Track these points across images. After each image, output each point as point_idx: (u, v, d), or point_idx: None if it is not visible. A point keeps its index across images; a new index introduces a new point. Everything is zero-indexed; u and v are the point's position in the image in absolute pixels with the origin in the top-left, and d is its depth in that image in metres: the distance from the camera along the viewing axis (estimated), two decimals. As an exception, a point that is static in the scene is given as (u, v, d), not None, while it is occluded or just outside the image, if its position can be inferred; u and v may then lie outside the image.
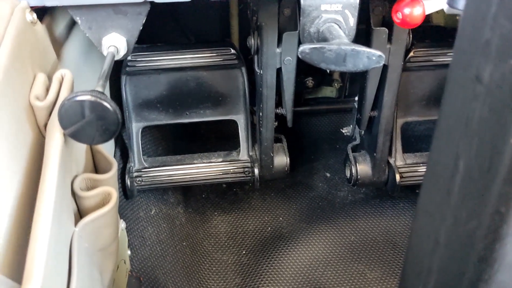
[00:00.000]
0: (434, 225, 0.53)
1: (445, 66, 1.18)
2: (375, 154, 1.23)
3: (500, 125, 0.42)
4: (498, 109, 0.42)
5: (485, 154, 0.44)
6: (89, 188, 0.75)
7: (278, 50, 1.02)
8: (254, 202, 1.43)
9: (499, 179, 0.43)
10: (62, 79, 0.73)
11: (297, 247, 1.30)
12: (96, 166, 0.83)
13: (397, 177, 1.23)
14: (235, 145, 1.30)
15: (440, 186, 0.51)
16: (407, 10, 0.84)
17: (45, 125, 0.70)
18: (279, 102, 1.16)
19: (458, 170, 0.47)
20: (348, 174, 1.31)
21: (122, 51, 0.82)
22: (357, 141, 1.33)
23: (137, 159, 1.23)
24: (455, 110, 0.47)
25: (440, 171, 0.50)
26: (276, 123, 1.21)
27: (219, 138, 1.56)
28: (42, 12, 0.82)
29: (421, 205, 0.56)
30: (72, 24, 0.94)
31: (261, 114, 1.17)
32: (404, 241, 1.32)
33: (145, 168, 1.24)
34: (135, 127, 1.23)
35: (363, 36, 1.03)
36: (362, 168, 1.27)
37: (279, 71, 1.07)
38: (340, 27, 0.81)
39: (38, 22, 0.77)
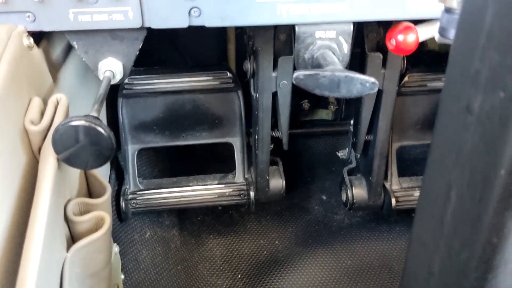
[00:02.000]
0: (427, 255, 0.52)
1: (440, 91, 1.18)
2: (370, 178, 1.23)
3: (491, 155, 0.42)
4: (488, 139, 0.42)
5: (476, 184, 0.44)
6: (82, 212, 0.74)
7: (273, 74, 1.03)
8: (249, 225, 1.42)
9: (490, 209, 0.43)
10: (58, 103, 0.73)
11: (293, 271, 1.29)
12: (90, 190, 0.82)
13: (393, 201, 1.23)
14: (231, 167, 1.30)
15: (433, 215, 0.51)
16: (400, 37, 0.85)
17: (39, 149, 0.70)
18: (274, 125, 1.16)
19: (450, 199, 0.47)
20: (344, 197, 1.31)
21: (118, 76, 0.83)
22: (353, 165, 1.33)
23: (132, 181, 1.23)
24: (447, 139, 0.47)
25: (433, 200, 0.50)
26: (272, 146, 1.21)
27: (215, 160, 1.56)
28: (39, 36, 0.82)
29: (415, 234, 0.56)
30: (69, 48, 0.95)
31: (257, 136, 1.17)
32: (400, 265, 1.31)
33: (140, 190, 1.23)
34: (131, 149, 1.23)
35: (358, 60, 1.04)
36: (358, 192, 1.26)
37: (274, 94, 1.07)
38: (334, 54, 0.82)
39: (35, 46, 0.78)
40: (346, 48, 0.84)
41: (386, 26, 0.95)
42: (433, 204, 0.50)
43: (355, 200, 1.27)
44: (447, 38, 0.55)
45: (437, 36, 0.57)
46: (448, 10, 0.54)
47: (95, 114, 0.66)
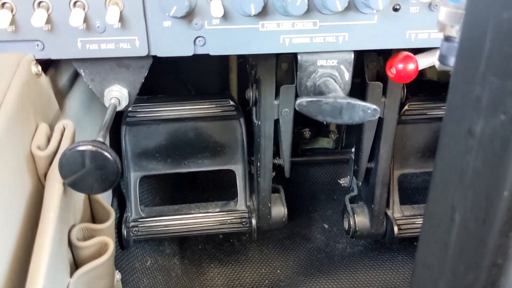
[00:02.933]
0: (432, 279, 0.52)
1: (440, 119, 1.21)
2: (373, 205, 1.23)
3: (494, 178, 0.43)
4: (491, 162, 0.43)
5: (480, 206, 0.44)
6: (86, 238, 0.74)
7: (275, 102, 1.04)
8: (251, 253, 1.42)
9: (495, 231, 0.44)
10: (64, 129, 0.74)
11: (295, 301, 1.27)
12: (94, 215, 0.83)
13: (395, 229, 1.22)
14: (233, 195, 1.30)
15: (437, 238, 0.51)
16: (400, 66, 0.87)
17: (45, 175, 0.70)
18: (276, 153, 1.17)
19: (454, 222, 0.48)
20: (346, 225, 1.31)
21: (124, 103, 0.84)
22: (355, 192, 1.33)
23: (134, 208, 1.23)
24: (450, 163, 0.48)
25: (437, 224, 0.51)
26: (274, 173, 1.22)
27: (216, 188, 1.57)
28: (46, 64, 0.84)
29: (419, 258, 0.56)
30: (75, 75, 0.97)
31: (259, 164, 1.18)
32: (403, 295, 1.30)
33: (142, 218, 1.23)
34: (133, 177, 1.23)
35: (358, 89, 1.06)
36: (360, 219, 1.26)
37: (276, 122, 1.08)
38: (335, 81, 0.84)
39: (43, 74, 0.79)
40: (347, 76, 0.85)
41: (385, 55, 0.97)
42: (437, 227, 0.51)
43: (357, 228, 1.26)
44: (447, 65, 0.56)
45: (437, 64, 0.59)
46: (447, 39, 0.56)
47: (101, 139, 0.67)
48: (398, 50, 0.89)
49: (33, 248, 0.60)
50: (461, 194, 0.46)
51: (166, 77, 1.47)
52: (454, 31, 0.54)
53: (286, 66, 1.00)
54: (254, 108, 1.12)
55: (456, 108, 0.47)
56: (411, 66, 0.86)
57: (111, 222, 0.77)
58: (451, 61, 0.55)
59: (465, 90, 0.45)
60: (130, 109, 1.15)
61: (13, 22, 0.75)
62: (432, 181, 0.51)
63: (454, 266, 0.49)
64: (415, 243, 1.41)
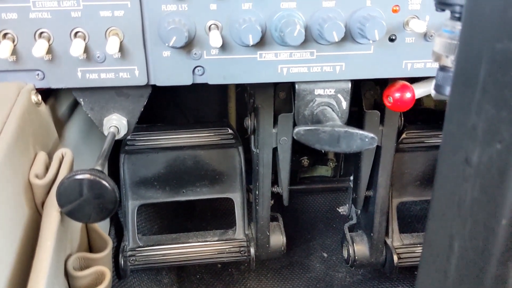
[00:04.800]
0: (433, 308, 0.52)
1: (437, 147, 1.21)
2: (372, 234, 1.22)
3: (492, 206, 0.43)
4: (488, 190, 0.43)
5: (479, 235, 0.44)
6: (83, 267, 0.73)
7: (274, 130, 1.05)
8: (249, 283, 1.40)
9: (494, 260, 0.43)
10: (63, 157, 0.74)
11: (294, 331, 1.25)
12: (91, 244, 0.82)
13: (395, 258, 1.21)
14: (231, 223, 1.29)
15: (437, 267, 0.51)
16: (397, 95, 0.88)
17: (43, 203, 0.70)
18: (275, 181, 1.17)
19: (453, 251, 0.47)
20: (345, 254, 1.30)
21: (123, 131, 0.84)
22: (354, 221, 1.32)
23: (131, 237, 1.22)
24: (447, 192, 0.48)
25: (436, 252, 0.50)
26: (272, 202, 1.21)
27: (215, 216, 1.56)
28: (46, 93, 0.85)
29: (419, 287, 0.55)
30: (75, 104, 0.98)
31: (257, 192, 1.17)
32: (404, 325, 1.28)
33: (140, 247, 1.22)
34: (131, 205, 1.22)
35: (355, 118, 1.07)
36: (360, 248, 1.25)
37: (275, 150, 1.09)
38: (333, 110, 0.84)
39: (43, 103, 0.80)
40: (344, 105, 0.86)
41: (382, 84, 0.98)
42: (436, 256, 0.50)
43: (356, 257, 1.25)
44: (443, 94, 0.57)
45: (433, 93, 0.59)
46: (442, 68, 0.57)
47: (99, 168, 0.67)
48: (395, 80, 0.90)
49: (29, 277, 0.60)
50: (459, 223, 0.46)
51: (164, 106, 1.48)
52: (449, 61, 0.55)
53: (284, 95, 1.01)
54: (252, 137, 1.12)
55: (453, 137, 0.47)
56: (408, 95, 0.87)
57: (108, 251, 0.77)
58: (447, 90, 0.56)
59: (461, 119, 0.45)
60: (129, 137, 1.15)
61: (14, 52, 0.76)
62: (430, 210, 0.51)
63: (455, 296, 0.48)
64: (415, 272, 1.39)
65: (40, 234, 0.65)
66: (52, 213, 0.66)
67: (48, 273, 0.59)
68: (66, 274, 0.71)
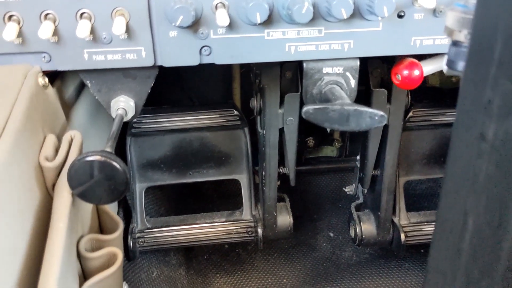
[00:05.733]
0: (446, 284, 0.52)
1: (444, 125, 1.21)
2: (379, 213, 1.23)
3: (507, 181, 0.42)
4: (504, 165, 0.43)
5: (494, 211, 0.44)
6: (94, 248, 0.74)
7: (280, 111, 1.04)
8: (257, 263, 1.41)
9: (509, 236, 0.43)
10: (72, 140, 0.74)
11: (302, 310, 1.27)
12: (102, 226, 0.82)
13: (402, 236, 1.22)
14: (237, 204, 1.30)
15: (450, 244, 0.51)
16: (406, 72, 0.87)
17: (53, 186, 0.70)
18: (281, 161, 1.17)
19: (467, 227, 0.47)
20: (352, 233, 1.30)
21: (131, 113, 0.84)
22: (360, 200, 1.33)
23: (140, 219, 1.23)
24: (461, 168, 0.48)
25: (449, 229, 0.50)
26: (279, 183, 1.22)
27: (221, 198, 1.56)
28: (53, 76, 0.85)
29: (431, 264, 0.55)
30: (81, 87, 0.97)
31: (264, 173, 1.17)
32: (411, 302, 1.29)
33: (148, 228, 1.23)
34: (139, 188, 1.23)
35: (362, 97, 1.06)
36: (367, 227, 1.26)
37: (281, 131, 1.08)
38: (341, 89, 0.84)
39: (50, 85, 0.79)
40: (353, 83, 0.85)
41: (390, 62, 0.97)
42: (449, 233, 0.50)
43: (364, 236, 1.26)
44: (455, 70, 0.56)
45: (445, 69, 0.59)
46: (455, 43, 0.56)
47: (109, 149, 0.67)
48: (403, 57, 0.90)
49: (42, 259, 0.60)
50: (474, 199, 0.46)
51: (169, 88, 1.47)
52: (462, 36, 0.54)
53: (290, 75, 1.00)
54: (258, 117, 1.12)
55: (467, 112, 0.47)
56: (416, 73, 0.86)
57: (119, 233, 0.77)
58: (460, 65, 0.55)
59: (475, 95, 0.45)
60: (135, 120, 1.15)
61: (20, 34, 0.75)
62: (443, 186, 0.51)
63: (468, 272, 0.48)
64: (422, 250, 1.41)
65: (52, 216, 0.65)
66: (63, 195, 0.66)
67: (62, 254, 0.59)
68: (78, 255, 0.72)
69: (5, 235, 0.57)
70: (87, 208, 0.77)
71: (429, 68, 0.88)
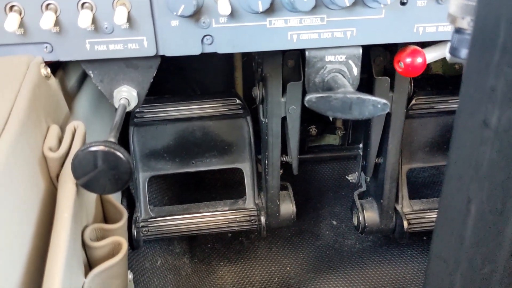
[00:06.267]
0: (448, 271, 0.52)
1: (447, 113, 1.20)
2: (382, 201, 1.23)
3: (510, 168, 0.43)
4: (507, 152, 0.43)
5: (497, 197, 0.44)
6: (99, 238, 0.75)
7: (282, 99, 1.04)
8: (260, 251, 1.42)
9: (512, 222, 0.44)
10: (75, 130, 0.74)
11: (305, 297, 1.27)
12: (106, 215, 0.83)
13: (405, 223, 1.22)
14: (240, 193, 1.30)
15: (452, 230, 0.51)
16: (408, 60, 0.86)
17: (57, 176, 0.70)
18: (283, 150, 1.17)
19: (470, 214, 0.48)
20: (355, 221, 1.31)
21: (133, 103, 0.84)
22: (363, 188, 1.33)
23: (143, 209, 1.23)
24: (464, 154, 0.48)
25: (452, 216, 0.51)
26: (281, 171, 1.22)
27: (224, 187, 1.57)
28: (55, 66, 0.85)
29: (434, 250, 0.56)
30: (83, 77, 0.97)
31: (266, 162, 1.18)
32: (414, 289, 1.30)
33: (152, 218, 1.23)
34: (142, 177, 1.23)
35: (365, 85, 1.06)
36: (370, 215, 1.26)
37: (283, 120, 1.08)
38: (344, 77, 0.84)
39: (52, 76, 0.79)
40: (355, 71, 0.85)
41: (392, 50, 0.97)
42: (452, 220, 0.51)
43: (366, 224, 1.26)
44: (458, 57, 0.56)
45: (448, 56, 0.58)
46: (458, 31, 0.56)
47: (113, 139, 0.67)
48: (405, 44, 0.89)
49: (48, 249, 0.61)
50: (476, 186, 0.46)
51: (171, 78, 1.47)
52: (465, 23, 0.54)
53: (293, 63, 1.00)
54: (261, 106, 1.12)
55: (470, 99, 0.47)
56: (419, 60, 0.86)
57: (123, 222, 0.78)
58: (463, 53, 0.55)
59: (479, 82, 0.45)
60: (137, 110, 1.15)
61: (21, 25, 0.75)
62: (446, 173, 0.51)
63: (471, 258, 0.49)
64: (425, 238, 1.41)
65: (56, 206, 0.65)
66: (67, 185, 0.66)
67: (67, 243, 0.60)
68: (83, 245, 0.72)
69: (11, 225, 0.58)
70: (91, 198, 0.77)
71: (432, 55, 0.87)
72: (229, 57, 1.49)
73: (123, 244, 0.73)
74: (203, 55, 0.82)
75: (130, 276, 0.97)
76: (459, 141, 0.49)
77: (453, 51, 0.57)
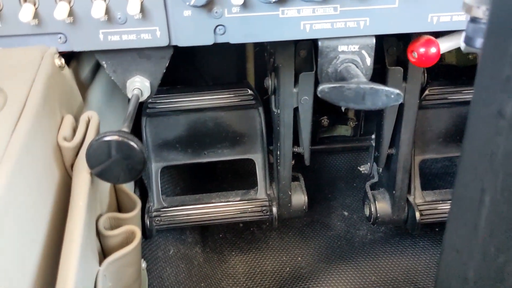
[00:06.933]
0: (462, 262, 0.52)
1: (461, 103, 1.19)
2: (394, 191, 1.23)
3: (525, 159, 0.42)
4: (522, 143, 0.42)
5: (511, 187, 0.44)
6: (113, 227, 0.75)
7: (295, 90, 1.04)
8: (271, 241, 1.42)
9: (527, 212, 0.43)
10: (89, 120, 0.75)
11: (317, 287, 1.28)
12: (119, 205, 0.84)
13: (417, 215, 1.22)
14: (251, 184, 1.31)
15: (466, 221, 0.51)
16: (422, 50, 0.86)
17: (71, 165, 0.71)
18: (295, 141, 1.17)
19: (484, 204, 0.47)
20: (367, 212, 1.31)
21: (146, 93, 0.85)
22: (375, 179, 1.33)
23: (156, 198, 1.24)
24: (479, 145, 0.48)
25: (466, 206, 0.51)
26: (293, 162, 1.22)
27: (235, 177, 1.57)
28: (69, 57, 0.85)
29: (447, 241, 0.56)
30: (96, 67, 0.98)
31: (278, 152, 1.18)
32: (425, 280, 1.29)
33: (164, 207, 1.24)
34: (155, 167, 1.24)
35: (378, 76, 1.05)
36: (382, 206, 1.26)
37: (295, 110, 1.08)
38: (357, 67, 0.83)
39: (66, 66, 0.80)
40: (369, 61, 0.85)
41: (406, 40, 0.96)
42: (466, 210, 0.51)
43: (378, 215, 1.26)
44: (473, 47, 0.55)
45: (463, 46, 0.58)
46: (473, 20, 0.55)
47: (126, 129, 0.68)
48: (419, 34, 0.88)
49: (63, 237, 0.61)
50: (491, 176, 0.46)
51: (183, 68, 1.48)
52: (481, 12, 0.53)
53: (305, 53, 0.99)
54: (273, 97, 1.12)
55: (485, 89, 0.46)
56: (433, 50, 0.85)
57: (137, 211, 0.78)
58: (478, 42, 0.54)
59: (494, 71, 0.44)
60: (150, 100, 1.15)
61: (36, 15, 0.76)
62: (460, 164, 0.51)
63: (485, 248, 0.49)
64: (437, 229, 1.41)
65: (71, 196, 0.66)
66: (82, 175, 0.67)
67: (82, 232, 0.60)
68: (98, 233, 0.73)
69: (27, 213, 0.59)
70: (105, 187, 0.78)
71: (446, 45, 0.86)
72: (241, 47, 1.48)
73: (136, 232, 0.73)
74: (215, 46, 0.82)
75: (143, 264, 0.99)
76: (473, 131, 0.48)
77: (468, 40, 0.56)
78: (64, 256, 0.59)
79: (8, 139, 0.59)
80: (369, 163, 1.30)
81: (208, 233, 1.44)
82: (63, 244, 0.61)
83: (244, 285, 1.30)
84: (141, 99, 0.84)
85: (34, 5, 0.75)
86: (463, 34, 0.57)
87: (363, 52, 0.84)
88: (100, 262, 0.70)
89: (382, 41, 1.02)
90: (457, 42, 0.87)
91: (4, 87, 0.67)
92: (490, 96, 0.45)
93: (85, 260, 0.62)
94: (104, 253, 0.74)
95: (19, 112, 0.63)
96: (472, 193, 0.49)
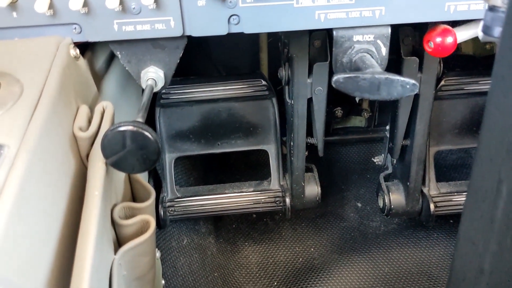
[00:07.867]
0: (477, 253, 0.52)
1: (477, 94, 1.18)
2: (408, 183, 1.22)
3: (544, 150, 0.42)
4: (541, 133, 0.42)
5: (529, 179, 0.44)
6: (128, 216, 0.76)
7: (309, 80, 1.03)
8: (284, 232, 1.43)
9: (545, 204, 0.43)
10: (104, 110, 0.76)
11: (330, 278, 1.28)
12: (134, 194, 0.84)
13: (432, 206, 1.21)
14: (265, 175, 1.31)
15: (482, 212, 0.50)
16: (438, 40, 0.85)
17: (87, 155, 0.72)
18: (309, 132, 1.17)
19: (501, 195, 0.47)
20: (381, 203, 1.30)
21: (160, 84, 0.85)
22: (389, 170, 1.32)
23: (170, 189, 1.25)
24: (496, 135, 0.47)
25: (482, 197, 0.50)
26: (307, 153, 1.22)
27: (249, 168, 1.58)
28: (83, 47, 0.86)
29: (462, 232, 0.55)
30: (111, 58, 0.98)
31: (292, 143, 1.18)
32: (439, 272, 1.29)
33: (178, 198, 1.25)
34: (168, 158, 1.25)
35: (393, 66, 1.04)
36: (396, 197, 1.25)
37: (309, 101, 1.08)
38: (372, 57, 0.82)
39: (81, 56, 0.81)
40: (384, 51, 0.84)
41: (421, 30, 0.95)
42: (482, 202, 0.50)
43: (392, 206, 1.25)
44: (491, 36, 0.55)
45: (481, 35, 0.57)
46: (492, 8, 0.54)
47: (141, 120, 0.68)
48: (435, 24, 0.87)
49: (79, 226, 0.62)
50: (508, 167, 0.46)
51: (196, 59, 1.48)
52: (499, 0, 0.53)
53: (319, 43, 0.99)
54: (286, 87, 1.11)
55: (504, 79, 0.46)
56: (449, 40, 0.84)
57: (151, 201, 0.79)
58: (496, 31, 0.54)
59: (513, 60, 0.44)
60: (163, 91, 1.16)
61: (51, 6, 0.76)
62: (477, 154, 0.50)
63: (501, 240, 0.48)
64: (451, 221, 1.40)
65: (87, 185, 0.67)
66: (97, 164, 0.68)
67: (98, 221, 0.61)
68: (113, 223, 0.74)
69: (43, 203, 0.59)
70: (120, 177, 0.79)
71: (463, 34, 0.85)
72: (255, 38, 1.48)
73: (151, 222, 0.74)
74: (229, 36, 0.81)
75: (158, 254, 0.99)
76: (491, 121, 0.48)
77: (486, 29, 0.55)
78: (80, 245, 0.60)
79: (25, 129, 0.60)
80: (383, 154, 1.30)
81: (221, 223, 1.44)
82: (79, 233, 0.61)
83: (257, 275, 1.31)
84: (155, 90, 0.84)
85: (50, -5, 0.75)
86: (481, 23, 0.56)
87: (379, 42, 0.83)
88: (115, 251, 0.71)
89: (397, 31, 1.00)
90: (474, 31, 0.85)
91: (20, 77, 0.68)
92: (508, 86, 0.45)
93: (100, 249, 0.62)
94: (119, 242, 0.75)
95: (35, 102, 0.64)
96: (488, 183, 0.48)
